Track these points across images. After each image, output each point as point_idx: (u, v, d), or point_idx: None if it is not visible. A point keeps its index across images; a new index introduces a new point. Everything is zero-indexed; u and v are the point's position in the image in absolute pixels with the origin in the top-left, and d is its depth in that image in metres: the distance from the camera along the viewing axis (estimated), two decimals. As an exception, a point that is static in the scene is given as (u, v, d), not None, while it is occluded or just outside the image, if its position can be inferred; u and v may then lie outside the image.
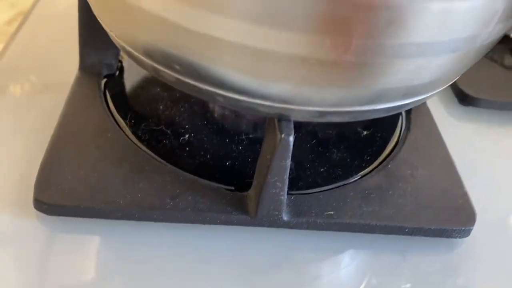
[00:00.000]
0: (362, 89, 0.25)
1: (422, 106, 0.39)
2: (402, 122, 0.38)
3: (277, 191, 0.27)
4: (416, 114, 0.38)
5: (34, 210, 0.29)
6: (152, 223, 0.29)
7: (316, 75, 0.23)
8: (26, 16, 0.47)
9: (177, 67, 0.25)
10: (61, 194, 0.29)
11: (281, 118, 0.26)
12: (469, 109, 0.43)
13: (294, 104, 0.24)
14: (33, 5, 0.48)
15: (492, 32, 0.25)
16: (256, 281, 0.28)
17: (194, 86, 0.25)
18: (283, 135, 0.25)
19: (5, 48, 0.42)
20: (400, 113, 0.38)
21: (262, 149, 0.28)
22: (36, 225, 0.29)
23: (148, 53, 0.26)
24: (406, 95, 0.27)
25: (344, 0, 0.20)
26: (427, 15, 0.21)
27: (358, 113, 0.26)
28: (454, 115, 0.43)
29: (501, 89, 0.45)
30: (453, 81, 0.29)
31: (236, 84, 0.24)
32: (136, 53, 0.27)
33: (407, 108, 0.28)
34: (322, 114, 0.25)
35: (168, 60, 0.25)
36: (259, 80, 0.24)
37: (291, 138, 0.25)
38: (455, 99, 0.44)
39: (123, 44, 0.27)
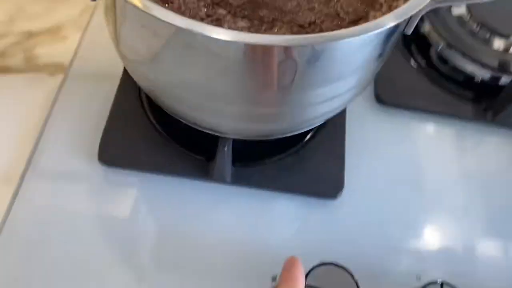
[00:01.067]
0: (282, 127, 0.47)
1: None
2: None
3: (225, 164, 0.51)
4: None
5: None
6: (160, 177, 0.54)
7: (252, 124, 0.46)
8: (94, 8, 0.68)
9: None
10: (114, 154, 0.53)
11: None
12: (382, 107, 0.64)
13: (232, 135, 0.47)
14: None
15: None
16: (208, 213, 0.53)
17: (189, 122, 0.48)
18: (225, 146, 0.48)
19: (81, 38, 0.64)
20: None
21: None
22: (99, 170, 0.54)
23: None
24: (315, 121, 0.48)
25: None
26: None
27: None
28: (369, 112, 0.63)
29: (408, 90, 0.64)
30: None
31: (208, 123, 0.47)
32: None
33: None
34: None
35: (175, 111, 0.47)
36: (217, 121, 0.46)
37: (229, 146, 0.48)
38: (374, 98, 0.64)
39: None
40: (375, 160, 0.58)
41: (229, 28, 0.44)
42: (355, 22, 0.45)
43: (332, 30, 0.44)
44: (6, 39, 0.64)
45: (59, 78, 0.61)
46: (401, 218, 0.55)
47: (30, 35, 0.65)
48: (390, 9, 0.47)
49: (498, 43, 0.62)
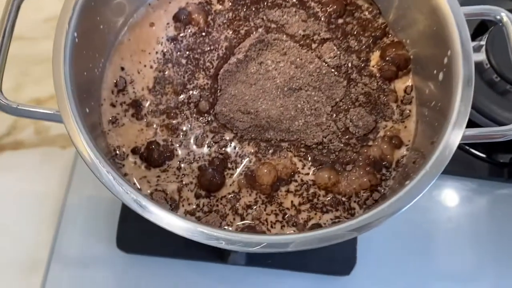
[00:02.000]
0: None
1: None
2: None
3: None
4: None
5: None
6: (178, 260, 0.55)
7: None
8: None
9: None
10: (131, 241, 0.55)
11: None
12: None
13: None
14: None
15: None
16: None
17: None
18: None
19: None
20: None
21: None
22: (118, 255, 0.56)
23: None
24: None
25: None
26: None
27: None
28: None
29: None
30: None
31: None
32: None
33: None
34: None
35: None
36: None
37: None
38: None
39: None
40: (386, 230, 0.59)
41: (236, 155, 0.43)
42: (364, 136, 0.44)
43: (341, 149, 0.44)
44: (15, 109, 0.64)
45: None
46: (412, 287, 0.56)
47: (38, 102, 0.64)
48: (402, 115, 0.45)
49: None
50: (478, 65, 0.61)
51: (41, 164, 0.61)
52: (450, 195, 0.61)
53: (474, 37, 0.60)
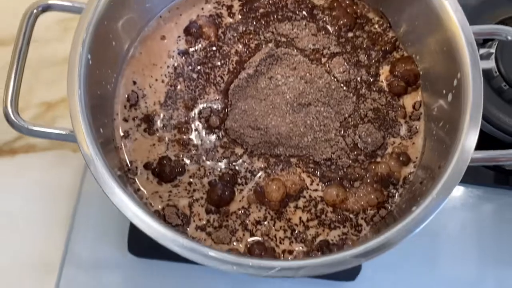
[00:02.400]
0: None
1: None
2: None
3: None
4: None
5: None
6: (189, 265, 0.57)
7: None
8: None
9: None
10: (142, 246, 0.56)
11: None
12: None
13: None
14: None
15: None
16: None
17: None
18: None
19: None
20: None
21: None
22: (130, 259, 0.58)
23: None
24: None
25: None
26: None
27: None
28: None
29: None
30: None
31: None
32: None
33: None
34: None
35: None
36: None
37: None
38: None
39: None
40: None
41: (246, 170, 0.44)
42: (373, 152, 0.45)
43: (349, 165, 0.44)
44: (27, 112, 0.64)
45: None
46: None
47: (49, 106, 0.65)
48: (410, 131, 0.46)
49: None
50: (487, 73, 0.61)
51: (53, 167, 0.62)
52: (456, 202, 0.62)
53: (483, 44, 0.60)
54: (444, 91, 0.42)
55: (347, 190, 0.43)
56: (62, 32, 0.66)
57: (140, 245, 0.57)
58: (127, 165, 0.44)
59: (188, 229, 0.42)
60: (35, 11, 0.40)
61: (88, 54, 0.38)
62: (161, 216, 0.43)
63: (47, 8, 0.40)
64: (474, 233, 0.61)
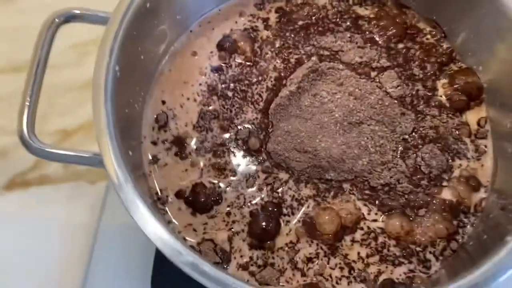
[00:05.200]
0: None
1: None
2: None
3: None
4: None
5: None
6: None
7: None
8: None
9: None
10: (165, 282, 0.50)
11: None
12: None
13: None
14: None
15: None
16: None
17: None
18: None
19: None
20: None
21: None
22: None
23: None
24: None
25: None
26: None
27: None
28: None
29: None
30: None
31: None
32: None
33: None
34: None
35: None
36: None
37: None
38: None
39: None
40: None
41: (293, 198, 0.38)
42: (437, 176, 0.39)
43: (411, 191, 0.39)
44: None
45: (101, 187, 0.57)
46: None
47: (65, 134, 0.60)
48: (477, 151, 0.40)
49: None
50: None
51: (69, 200, 0.57)
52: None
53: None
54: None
55: (411, 220, 0.37)
56: (77, 57, 0.62)
57: (165, 281, 0.51)
58: (156, 193, 0.39)
59: (228, 268, 0.36)
60: (56, 20, 0.35)
61: (116, 65, 0.33)
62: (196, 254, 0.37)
63: (70, 18, 0.36)
64: None
